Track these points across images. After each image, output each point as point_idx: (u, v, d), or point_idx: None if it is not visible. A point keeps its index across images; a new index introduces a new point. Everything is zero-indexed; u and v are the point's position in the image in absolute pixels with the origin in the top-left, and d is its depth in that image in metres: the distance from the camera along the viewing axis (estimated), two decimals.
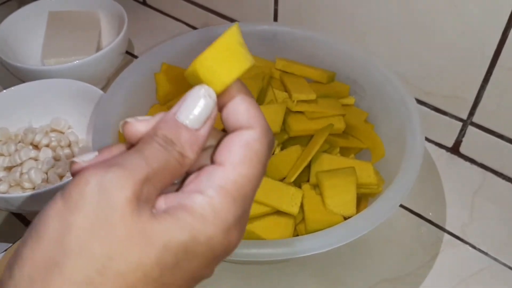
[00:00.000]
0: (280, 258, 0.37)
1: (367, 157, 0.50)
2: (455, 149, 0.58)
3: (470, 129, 0.55)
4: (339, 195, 0.42)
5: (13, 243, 0.49)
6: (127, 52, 0.70)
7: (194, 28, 0.75)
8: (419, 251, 0.49)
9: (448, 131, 0.57)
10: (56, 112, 0.57)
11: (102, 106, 0.48)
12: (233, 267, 0.47)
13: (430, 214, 0.52)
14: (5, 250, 0.43)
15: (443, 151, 0.58)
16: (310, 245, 0.37)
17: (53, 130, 0.56)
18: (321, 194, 0.43)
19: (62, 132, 0.56)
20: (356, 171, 0.43)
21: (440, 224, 0.51)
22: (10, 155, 0.52)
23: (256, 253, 0.36)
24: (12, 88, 0.56)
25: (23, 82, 0.57)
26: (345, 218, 0.42)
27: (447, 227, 0.51)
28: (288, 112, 0.48)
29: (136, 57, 0.71)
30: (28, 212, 0.51)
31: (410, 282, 0.47)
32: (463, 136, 0.56)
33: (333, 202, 0.42)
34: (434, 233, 0.51)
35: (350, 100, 0.53)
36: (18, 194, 0.45)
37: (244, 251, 0.37)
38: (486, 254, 0.49)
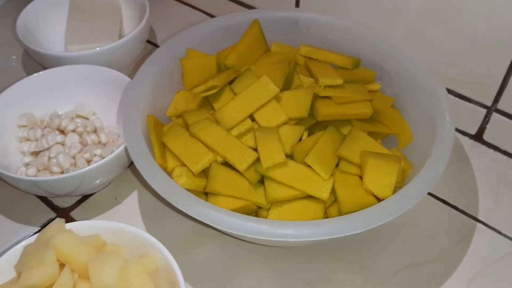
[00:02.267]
0: (315, 239, 0.37)
1: (393, 143, 0.50)
2: (478, 136, 0.58)
3: (495, 116, 0.55)
4: (380, 177, 0.42)
5: (41, 227, 0.50)
6: (148, 41, 0.70)
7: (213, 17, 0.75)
8: (445, 236, 0.49)
9: (471, 118, 0.57)
10: (81, 98, 0.57)
11: (131, 92, 0.48)
12: (256, 250, 0.47)
13: (456, 200, 0.52)
14: (34, 234, 0.43)
15: (466, 138, 0.58)
16: (344, 227, 0.37)
17: (78, 116, 0.56)
18: (361, 172, 0.43)
19: (87, 118, 0.56)
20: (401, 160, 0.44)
21: (466, 210, 0.51)
22: (36, 140, 0.53)
23: (292, 233, 0.37)
24: (36, 74, 0.56)
25: (45, 69, 0.57)
26: (378, 201, 0.42)
27: (473, 213, 0.51)
28: (315, 97, 0.48)
29: (156, 45, 0.71)
30: (56, 196, 0.51)
31: (436, 267, 0.47)
32: (487, 123, 0.56)
33: (372, 182, 0.42)
34: (459, 219, 0.51)
35: (376, 86, 0.53)
36: (48, 177, 0.46)
37: (278, 231, 0.37)
38: (511, 239, 0.49)
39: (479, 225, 0.50)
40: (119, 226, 0.42)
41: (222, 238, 0.48)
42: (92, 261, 0.37)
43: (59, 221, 0.40)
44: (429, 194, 0.52)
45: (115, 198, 0.53)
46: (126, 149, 0.47)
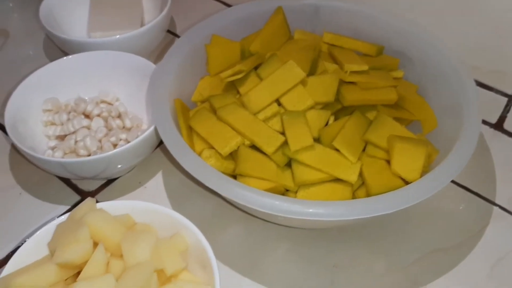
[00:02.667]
0: (348, 218, 0.37)
1: (417, 129, 0.50)
2: (499, 125, 0.58)
3: None
4: (408, 160, 0.42)
5: (67, 211, 0.50)
6: (168, 31, 0.70)
7: None
8: (467, 223, 0.49)
9: (492, 107, 0.57)
10: (104, 84, 0.57)
11: (158, 77, 0.49)
12: (282, 233, 0.48)
13: (476, 187, 0.52)
14: (61, 216, 0.44)
15: (487, 127, 0.58)
16: (376, 206, 0.37)
17: (102, 102, 0.56)
18: (389, 156, 0.43)
19: (110, 104, 0.56)
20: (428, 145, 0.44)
21: (488, 197, 0.52)
22: (62, 124, 0.53)
23: (324, 213, 0.37)
24: (61, 59, 0.57)
25: (68, 55, 0.58)
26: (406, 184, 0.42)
27: (495, 200, 0.51)
28: (341, 82, 0.49)
29: (176, 35, 0.71)
30: (81, 178, 0.51)
31: (458, 253, 0.47)
32: (507, 111, 0.56)
33: (400, 165, 0.42)
34: (481, 206, 0.51)
35: (399, 74, 0.53)
36: (76, 159, 0.46)
37: (310, 210, 0.37)
38: None
39: (500, 211, 0.50)
40: (149, 206, 0.42)
41: (248, 220, 0.49)
42: (125, 239, 0.37)
43: (90, 201, 0.41)
44: (452, 181, 0.53)
45: (139, 182, 0.53)
46: (152, 133, 0.48)
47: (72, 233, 0.37)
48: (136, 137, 0.49)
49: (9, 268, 0.38)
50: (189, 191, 0.52)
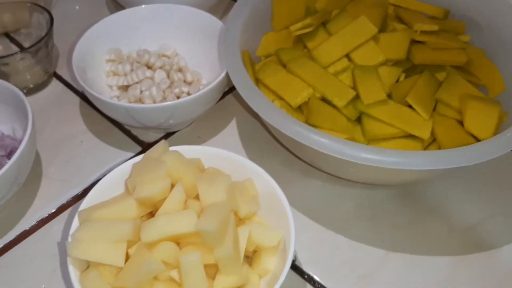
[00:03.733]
0: (428, 168, 0.37)
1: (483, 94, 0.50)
2: None
3: None
4: (481, 118, 0.42)
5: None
6: None
7: None
8: None
9: None
10: (164, 37, 0.57)
11: (227, 29, 0.48)
12: (346, 190, 0.48)
13: None
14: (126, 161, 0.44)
15: None
16: (456, 157, 0.37)
17: (163, 55, 0.56)
18: (462, 113, 0.43)
19: (170, 58, 0.56)
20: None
21: None
22: (125, 75, 0.53)
23: (404, 162, 0.37)
24: (122, 12, 0.57)
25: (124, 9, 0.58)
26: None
27: None
28: (411, 41, 0.48)
29: None
30: (144, 127, 0.51)
31: None
32: None
33: (474, 123, 0.42)
34: None
35: (466, 38, 0.52)
36: (144, 105, 0.46)
37: (389, 159, 0.37)
38: None
39: None
40: (220, 152, 0.42)
41: (313, 174, 0.49)
42: (201, 180, 0.38)
43: (164, 143, 0.41)
44: None
45: (198, 137, 0.54)
46: (219, 83, 0.48)
47: (151, 171, 0.38)
48: (198, 91, 0.49)
49: (86, 202, 0.39)
50: (255, 145, 0.52)
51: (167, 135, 0.54)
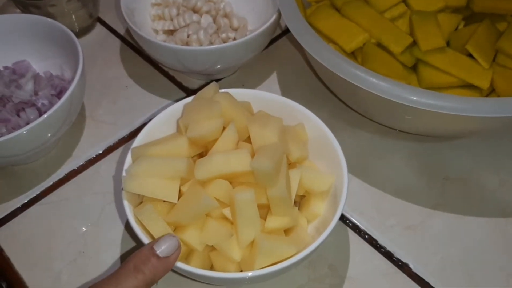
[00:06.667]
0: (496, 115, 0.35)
1: None
2: None
3: None
4: None
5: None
6: None
7: None
8: None
9: None
10: None
11: None
12: (396, 142, 0.47)
13: None
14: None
15: None
16: None
17: (209, 1, 0.55)
18: None
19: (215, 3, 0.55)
20: None
21: None
22: (171, 19, 0.53)
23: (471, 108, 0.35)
24: None
25: None
26: None
27: None
28: None
29: None
30: (188, 71, 0.50)
31: None
32: None
33: None
34: None
35: None
36: (192, 47, 0.45)
37: (454, 105, 0.35)
38: None
39: None
40: (271, 96, 0.41)
41: (364, 124, 0.48)
42: (252, 122, 0.37)
43: (214, 85, 0.41)
44: None
45: (242, 85, 0.53)
46: (269, 27, 0.46)
47: (204, 110, 0.37)
48: (245, 36, 0.47)
49: (138, 141, 0.39)
50: (300, 94, 0.51)
51: (211, 82, 0.53)
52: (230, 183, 0.35)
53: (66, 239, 0.42)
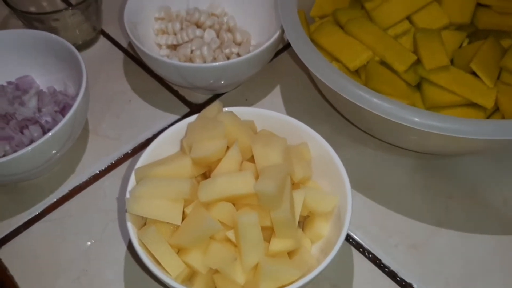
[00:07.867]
0: (494, 138, 0.35)
1: None
2: None
3: None
4: None
5: (179, 119, 0.51)
6: None
7: None
8: None
9: None
10: None
11: None
12: (400, 160, 0.47)
13: None
14: (172, 124, 0.44)
15: None
16: None
17: (212, 15, 0.55)
18: None
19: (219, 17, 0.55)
20: None
21: None
22: (175, 33, 0.53)
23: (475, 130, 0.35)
24: None
25: None
26: None
27: None
28: (476, 5, 0.45)
29: None
30: (192, 87, 0.50)
31: None
32: None
33: None
34: None
35: None
36: (194, 64, 0.45)
37: (455, 126, 0.35)
38: None
39: None
40: (275, 114, 0.41)
41: (366, 141, 0.48)
42: (257, 141, 0.37)
43: (218, 103, 0.41)
44: None
45: (246, 99, 0.53)
46: (273, 43, 0.46)
47: (208, 131, 0.37)
48: (248, 51, 0.48)
49: (142, 161, 0.39)
50: (303, 109, 0.51)
51: (215, 97, 0.53)
52: (234, 205, 0.35)
53: (69, 256, 0.42)
